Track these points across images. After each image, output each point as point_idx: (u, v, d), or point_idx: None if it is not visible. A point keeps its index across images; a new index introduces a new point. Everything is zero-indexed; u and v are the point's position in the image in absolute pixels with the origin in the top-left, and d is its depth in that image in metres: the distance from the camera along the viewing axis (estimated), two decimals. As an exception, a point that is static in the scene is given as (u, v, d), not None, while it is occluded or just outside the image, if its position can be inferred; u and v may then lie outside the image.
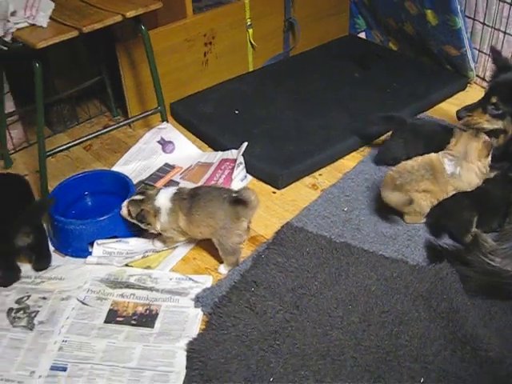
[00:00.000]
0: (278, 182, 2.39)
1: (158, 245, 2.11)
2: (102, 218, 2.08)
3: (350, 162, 2.54)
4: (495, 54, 2.33)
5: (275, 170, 2.41)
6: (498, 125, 2.20)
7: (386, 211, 2.19)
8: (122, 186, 2.23)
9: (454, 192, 2.12)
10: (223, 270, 2.02)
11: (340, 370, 1.64)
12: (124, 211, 2.05)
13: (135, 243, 2.13)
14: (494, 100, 2.18)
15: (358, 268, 1.95)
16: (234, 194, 1.98)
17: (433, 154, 2.16)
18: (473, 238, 1.96)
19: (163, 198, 2.02)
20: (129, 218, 2.06)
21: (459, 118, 2.27)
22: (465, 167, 2.13)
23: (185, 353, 1.73)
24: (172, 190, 2.05)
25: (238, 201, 1.96)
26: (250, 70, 3.21)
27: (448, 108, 2.89)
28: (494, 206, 2.08)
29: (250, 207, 1.97)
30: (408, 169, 2.12)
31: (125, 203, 2.05)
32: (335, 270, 1.94)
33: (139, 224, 2.05)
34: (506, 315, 1.80)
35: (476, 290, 1.85)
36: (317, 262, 1.97)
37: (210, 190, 2.03)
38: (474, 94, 3.09)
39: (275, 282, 1.90)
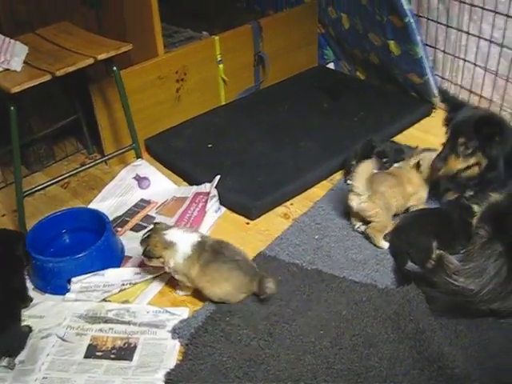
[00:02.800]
0: (250, 212, 2.46)
1: (180, 293, 2.13)
2: (79, 255, 2.13)
3: (320, 190, 2.62)
4: (444, 95, 2.43)
5: (248, 202, 2.48)
6: (471, 161, 2.27)
7: (355, 237, 2.28)
8: (98, 222, 2.28)
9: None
10: (180, 292, 2.11)
11: (313, 393, 1.70)
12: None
13: (111, 274, 2.17)
14: (462, 141, 2.25)
15: (329, 293, 2.02)
16: (258, 275, 2.01)
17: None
18: (437, 260, 2.04)
19: (183, 242, 2.02)
20: (144, 259, 2.08)
21: (437, 170, 2.32)
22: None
23: (163, 384, 1.78)
24: (195, 237, 2.05)
25: (259, 283, 1.99)
26: (222, 103, 3.29)
27: (415, 133, 3.01)
28: (453, 230, 2.17)
29: (262, 294, 2.01)
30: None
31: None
32: (307, 297, 2.01)
33: (151, 262, 2.06)
34: (470, 333, 1.87)
35: (442, 309, 1.93)
36: (289, 289, 2.04)
37: (237, 257, 2.02)
38: (438, 119, 3.15)
39: (249, 311, 1.96)
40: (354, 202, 2.22)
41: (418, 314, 1.89)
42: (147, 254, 2.03)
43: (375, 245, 2.24)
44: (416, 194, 2.36)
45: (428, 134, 2.96)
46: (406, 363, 1.77)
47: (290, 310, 1.96)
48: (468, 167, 2.28)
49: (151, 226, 2.13)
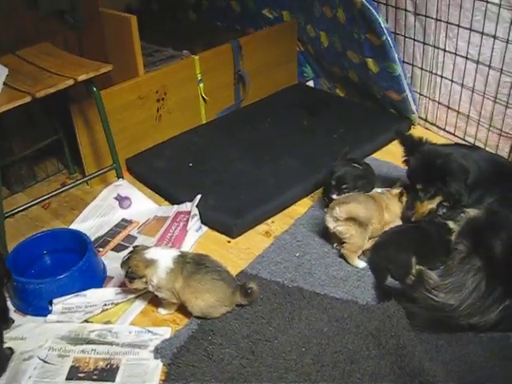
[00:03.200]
0: (231, 231, 2.48)
1: (163, 312, 2.13)
2: (61, 276, 2.13)
3: (301, 207, 2.65)
4: (400, 137, 2.48)
5: (229, 220, 2.50)
6: (437, 201, 2.34)
7: (335, 254, 2.31)
8: (79, 243, 2.28)
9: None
10: (162, 311, 2.12)
11: (296, 411, 1.71)
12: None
13: (92, 295, 2.16)
14: (419, 187, 2.33)
15: (311, 311, 2.03)
16: (238, 283, 2.07)
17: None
18: (417, 276, 2.07)
19: (164, 257, 2.03)
20: (127, 283, 2.08)
21: (408, 219, 2.39)
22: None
23: (146, 405, 1.78)
24: (175, 252, 2.08)
25: (241, 290, 2.04)
26: (203, 122, 3.32)
27: (394, 149, 2.98)
28: (432, 246, 2.20)
29: (247, 299, 2.05)
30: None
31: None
32: (288, 315, 2.02)
33: (134, 284, 2.06)
34: (451, 347, 1.90)
35: (422, 325, 1.95)
36: (271, 307, 2.06)
37: (218, 268, 2.06)
38: (418, 135, 3.20)
39: (231, 330, 1.97)
40: (331, 224, 2.26)
41: (399, 330, 1.91)
42: (130, 276, 2.03)
43: (351, 264, 2.27)
44: (393, 223, 2.38)
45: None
46: (387, 379, 1.78)
47: (271, 328, 1.97)
48: (438, 204, 2.35)
49: (131, 248, 2.13)
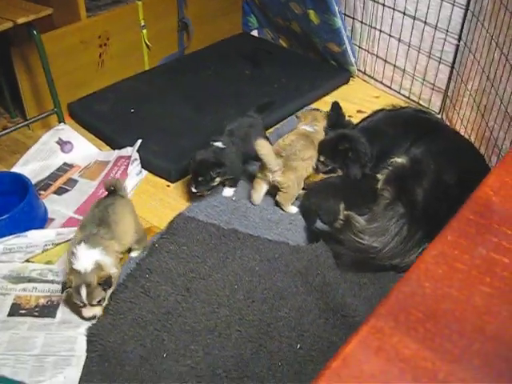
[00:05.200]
0: (171, 175, 2.57)
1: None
2: (2, 218, 2.17)
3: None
4: (333, 109, 2.60)
5: (168, 165, 2.58)
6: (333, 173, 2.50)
7: (270, 199, 2.43)
8: (21, 185, 2.33)
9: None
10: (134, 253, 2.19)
11: (226, 342, 1.84)
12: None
13: (33, 236, 2.22)
14: (321, 159, 2.46)
15: (244, 251, 2.16)
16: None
17: (299, 128, 2.51)
18: (345, 220, 2.19)
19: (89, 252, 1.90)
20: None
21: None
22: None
23: (85, 338, 1.88)
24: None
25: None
26: (146, 68, 3.36)
27: (332, 101, 3.12)
28: (360, 194, 2.34)
29: None
30: (288, 143, 2.39)
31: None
32: (223, 255, 2.15)
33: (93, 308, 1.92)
34: (373, 285, 2.06)
35: (347, 265, 2.10)
36: (206, 247, 2.17)
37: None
38: (356, 86, 3.39)
39: (168, 268, 2.08)
40: (268, 177, 2.35)
41: (325, 269, 2.07)
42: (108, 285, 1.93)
43: (284, 210, 2.39)
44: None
45: (345, 101, 3.08)
46: (312, 313, 1.93)
47: (206, 267, 2.09)
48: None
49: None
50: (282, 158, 2.32)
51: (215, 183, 2.35)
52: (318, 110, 2.76)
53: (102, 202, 2.09)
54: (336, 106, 2.61)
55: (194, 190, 2.33)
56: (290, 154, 2.35)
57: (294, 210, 2.39)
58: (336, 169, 2.47)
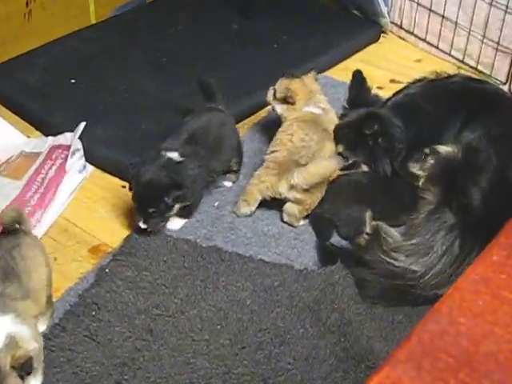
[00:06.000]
0: (127, 172, 2.53)
1: None
2: None
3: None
4: (353, 82, 2.63)
5: (124, 158, 2.58)
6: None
7: (266, 204, 2.43)
8: None
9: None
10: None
11: (206, 407, 1.86)
12: None
13: None
14: (339, 149, 2.47)
15: (230, 277, 2.17)
16: None
17: (301, 112, 2.50)
18: (372, 233, 2.20)
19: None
20: None
21: None
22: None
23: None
24: None
25: None
26: (93, 22, 3.37)
27: (355, 66, 3.02)
28: (394, 197, 2.36)
29: None
30: (299, 142, 2.38)
31: None
32: (201, 283, 2.16)
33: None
34: (411, 324, 2.06)
35: (375, 296, 2.12)
36: (177, 273, 2.18)
37: None
38: (388, 46, 3.40)
39: (123, 303, 2.08)
40: (285, 191, 2.33)
41: (344, 302, 2.08)
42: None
43: (290, 225, 2.39)
44: None
45: (373, 67, 3.14)
46: (326, 364, 1.94)
47: (177, 300, 2.09)
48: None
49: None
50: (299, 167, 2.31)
51: (173, 212, 2.30)
52: (295, 76, 2.64)
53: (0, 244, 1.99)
54: (358, 77, 2.63)
55: (142, 225, 2.27)
56: (307, 157, 2.35)
57: (301, 221, 2.41)
58: (359, 163, 2.48)
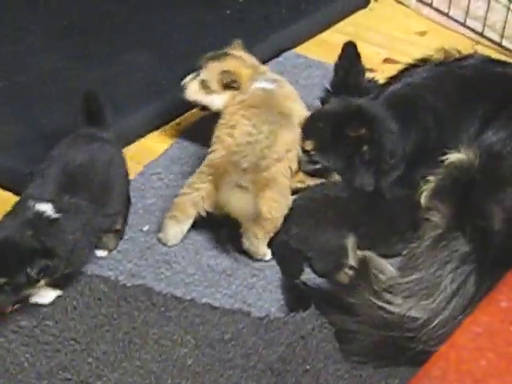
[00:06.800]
0: (20, 183, 2.54)
1: None
2: None
3: (155, 143, 2.83)
4: (343, 58, 2.66)
5: (20, 166, 2.63)
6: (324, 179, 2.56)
7: (217, 225, 2.48)
8: None
9: None
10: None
11: None
12: None
13: None
14: (308, 147, 2.53)
15: (165, 329, 2.20)
16: None
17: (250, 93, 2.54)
18: (359, 268, 2.24)
19: None
20: None
21: None
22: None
23: None
24: None
25: None
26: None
27: (338, 39, 3.13)
28: (386, 217, 2.41)
29: None
30: (242, 138, 2.43)
31: None
32: (124, 336, 2.19)
33: None
34: (405, 388, 2.12)
35: (362, 353, 2.15)
36: (91, 323, 2.21)
37: None
38: (382, 14, 3.44)
39: (17, 364, 2.10)
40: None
41: (320, 361, 2.12)
42: None
43: (252, 255, 2.44)
44: None
45: (362, 41, 3.15)
46: None
47: (91, 360, 2.12)
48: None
49: None
50: (246, 173, 2.36)
51: (35, 289, 2.22)
52: (222, 54, 2.69)
53: None
54: (350, 51, 2.66)
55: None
56: (253, 156, 2.40)
57: (268, 253, 2.45)
58: (330, 170, 2.53)
